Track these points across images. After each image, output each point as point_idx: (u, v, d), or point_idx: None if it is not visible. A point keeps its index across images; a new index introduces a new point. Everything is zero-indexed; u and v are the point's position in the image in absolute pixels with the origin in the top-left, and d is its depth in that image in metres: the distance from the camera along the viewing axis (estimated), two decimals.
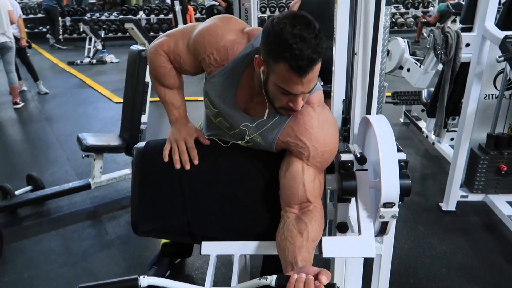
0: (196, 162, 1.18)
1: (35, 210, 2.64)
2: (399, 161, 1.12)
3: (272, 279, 0.86)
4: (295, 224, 1.05)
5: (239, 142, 1.20)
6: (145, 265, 2.06)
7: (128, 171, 2.89)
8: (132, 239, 2.32)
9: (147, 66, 2.56)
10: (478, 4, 2.30)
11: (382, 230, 1.16)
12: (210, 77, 1.16)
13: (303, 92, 0.98)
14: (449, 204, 2.51)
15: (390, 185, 1.05)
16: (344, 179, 1.17)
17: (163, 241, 2.03)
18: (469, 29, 2.80)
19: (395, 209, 1.08)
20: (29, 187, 2.75)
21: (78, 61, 7.58)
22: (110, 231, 2.40)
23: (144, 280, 0.86)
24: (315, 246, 1.06)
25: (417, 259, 2.10)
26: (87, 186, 2.72)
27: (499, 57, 1.83)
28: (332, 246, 1.11)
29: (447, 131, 3.16)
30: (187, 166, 1.18)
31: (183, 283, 0.91)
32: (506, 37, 1.87)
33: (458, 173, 2.45)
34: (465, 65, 2.46)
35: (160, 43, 1.23)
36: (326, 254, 1.10)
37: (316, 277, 0.83)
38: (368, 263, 1.53)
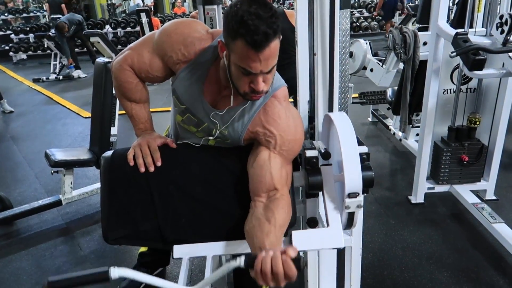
0: (159, 164, 1.20)
1: (3, 230, 2.56)
2: (361, 154, 1.17)
3: (240, 260, 0.88)
4: (263, 213, 1.09)
5: (209, 138, 1.23)
6: (121, 278, 2.03)
7: (99, 184, 2.84)
8: (107, 252, 2.28)
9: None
10: (432, 4, 2.42)
11: (349, 222, 1.20)
12: (179, 72, 1.19)
13: (262, 71, 1.01)
14: (417, 197, 2.60)
15: (353, 176, 1.09)
16: (310, 174, 1.21)
17: (140, 250, 2.02)
18: (426, 29, 2.93)
19: (360, 199, 1.12)
20: None
21: (44, 78, 7.40)
22: (84, 247, 2.36)
23: (115, 271, 0.85)
24: (283, 232, 1.09)
25: (390, 251, 2.17)
26: (58, 203, 2.66)
27: (452, 52, 1.93)
28: (302, 239, 1.13)
29: (412, 127, 3.28)
30: (151, 168, 1.19)
31: (154, 277, 0.90)
32: (457, 33, 1.98)
33: (423, 166, 2.54)
34: (424, 63, 2.57)
35: (124, 58, 1.24)
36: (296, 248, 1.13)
37: (283, 253, 0.87)
38: (341, 258, 1.58)
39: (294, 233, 1.14)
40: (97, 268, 0.87)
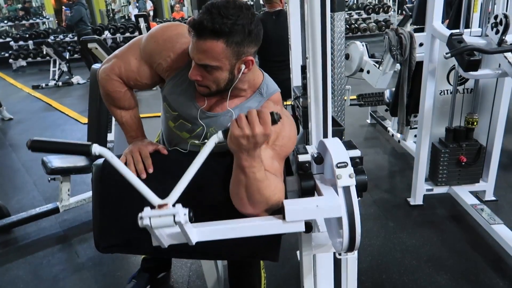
0: (150, 170, 1.19)
1: (1, 239, 2.55)
2: (354, 158, 1.15)
3: (218, 134, 0.96)
4: None
5: (198, 142, 1.22)
6: (118, 284, 2.03)
7: None
8: (104, 260, 2.27)
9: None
10: (427, 5, 2.41)
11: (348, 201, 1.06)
12: (168, 80, 1.18)
13: (193, 59, 1.02)
14: (416, 199, 2.58)
15: (337, 150, 1.10)
16: (303, 179, 1.20)
17: (143, 256, 2.01)
18: (423, 30, 2.91)
19: (350, 168, 1.08)
20: None
21: (43, 85, 7.41)
22: (81, 254, 2.35)
23: (97, 148, 0.90)
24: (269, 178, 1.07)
25: (388, 254, 2.15)
26: (56, 210, 2.65)
27: (446, 53, 1.92)
28: (295, 209, 1.04)
29: (410, 128, 3.26)
30: (143, 175, 1.18)
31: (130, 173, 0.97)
32: (451, 34, 1.97)
33: (422, 168, 2.53)
34: (421, 64, 2.55)
35: (111, 67, 1.22)
36: (289, 217, 1.03)
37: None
38: (338, 262, 1.56)
39: (286, 202, 1.04)
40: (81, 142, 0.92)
